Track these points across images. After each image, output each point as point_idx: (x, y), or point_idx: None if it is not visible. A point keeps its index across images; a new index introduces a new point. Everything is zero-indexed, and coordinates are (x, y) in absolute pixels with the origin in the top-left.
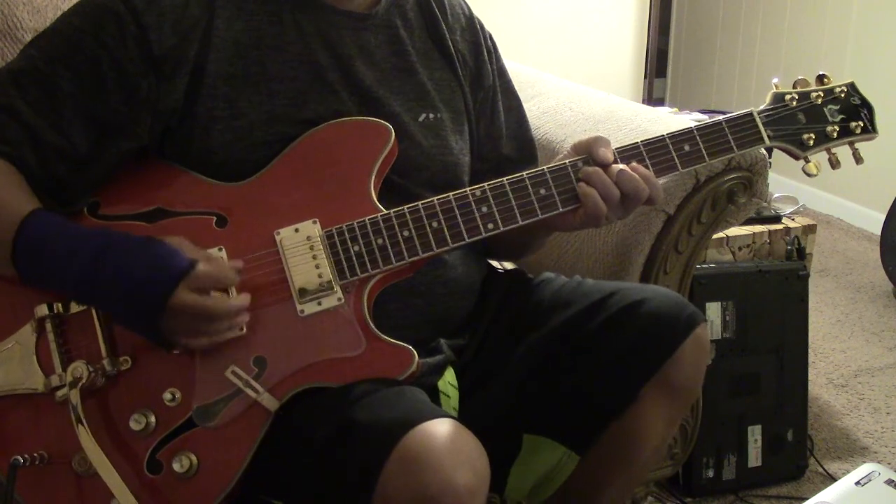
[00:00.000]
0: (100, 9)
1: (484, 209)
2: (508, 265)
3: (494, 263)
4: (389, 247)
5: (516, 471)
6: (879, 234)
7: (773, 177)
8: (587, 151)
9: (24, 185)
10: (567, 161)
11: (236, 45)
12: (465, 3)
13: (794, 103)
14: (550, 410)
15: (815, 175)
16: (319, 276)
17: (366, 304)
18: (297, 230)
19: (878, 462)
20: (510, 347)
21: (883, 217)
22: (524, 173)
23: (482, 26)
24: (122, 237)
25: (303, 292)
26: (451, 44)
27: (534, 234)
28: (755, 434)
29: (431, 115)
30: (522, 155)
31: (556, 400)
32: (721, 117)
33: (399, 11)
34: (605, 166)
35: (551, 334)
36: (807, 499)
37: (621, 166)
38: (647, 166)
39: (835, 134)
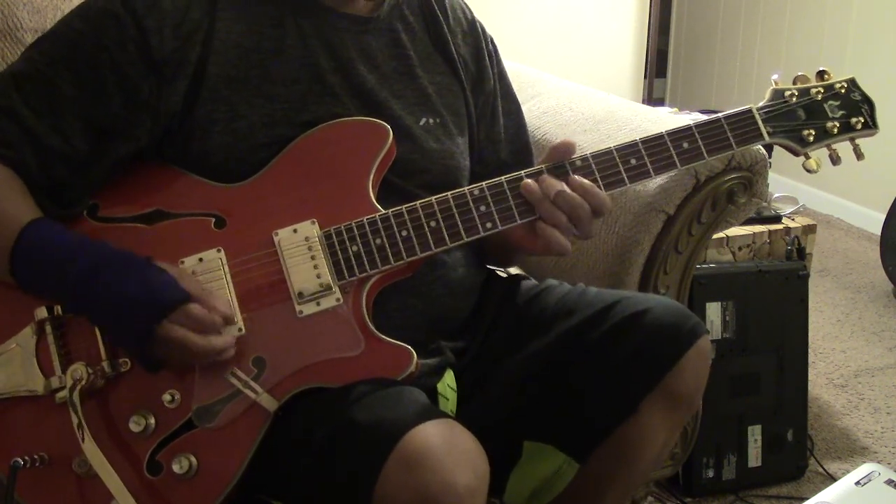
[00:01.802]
0: (101, 12)
1: (482, 208)
2: (512, 269)
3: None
4: (388, 247)
5: (515, 476)
6: (879, 234)
7: (773, 177)
8: (560, 157)
9: (25, 193)
10: (566, 161)
11: (238, 49)
12: (466, 7)
13: (794, 99)
14: (551, 418)
15: (816, 171)
16: (318, 276)
17: (364, 305)
18: (295, 231)
19: (878, 462)
20: (511, 353)
21: (883, 217)
22: (522, 172)
23: (483, 30)
24: (122, 254)
25: (301, 293)
26: (452, 48)
27: (504, 248)
28: (755, 434)
29: (432, 120)
30: (519, 159)
31: (558, 408)
32: (720, 114)
33: (400, 15)
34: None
35: (554, 342)
36: (807, 499)
37: (558, 188)
38: (645, 164)
39: (835, 130)
